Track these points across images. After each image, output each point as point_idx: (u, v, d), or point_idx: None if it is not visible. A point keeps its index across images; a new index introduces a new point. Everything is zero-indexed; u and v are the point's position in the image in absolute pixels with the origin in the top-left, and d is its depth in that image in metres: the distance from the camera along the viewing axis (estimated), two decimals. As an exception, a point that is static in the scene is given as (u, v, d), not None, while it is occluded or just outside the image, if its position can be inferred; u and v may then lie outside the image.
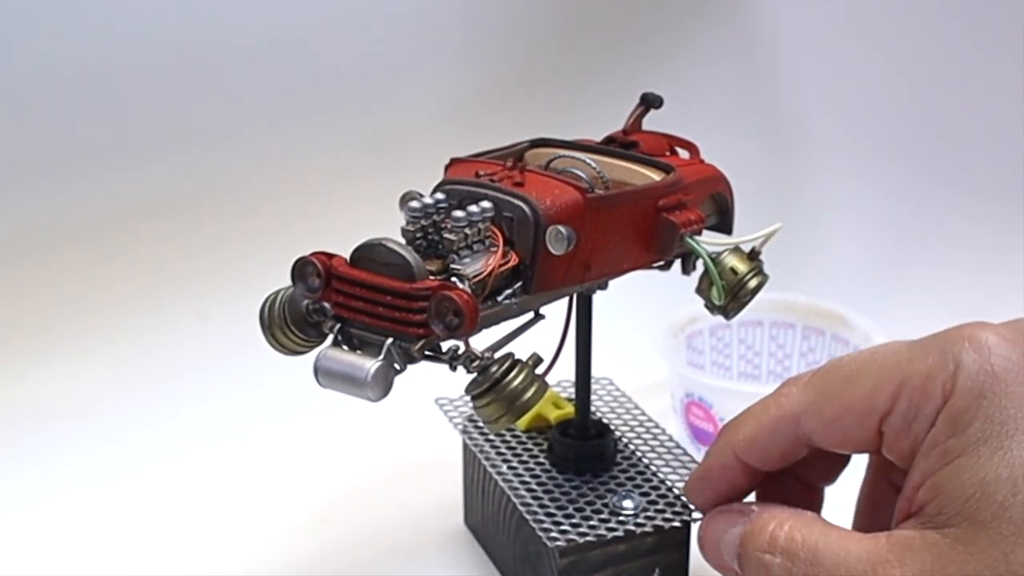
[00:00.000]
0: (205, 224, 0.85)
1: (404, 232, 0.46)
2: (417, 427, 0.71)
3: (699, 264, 0.53)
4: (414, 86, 0.89)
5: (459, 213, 0.45)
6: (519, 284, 0.46)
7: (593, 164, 0.51)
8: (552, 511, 0.53)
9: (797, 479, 0.50)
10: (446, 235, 0.45)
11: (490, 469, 0.58)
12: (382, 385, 0.43)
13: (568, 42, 0.92)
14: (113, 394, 0.78)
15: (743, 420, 0.48)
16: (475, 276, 0.44)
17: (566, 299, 0.54)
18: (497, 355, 0.46)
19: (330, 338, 0.45)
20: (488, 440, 0.60)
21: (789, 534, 0.43)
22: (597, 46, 0.93)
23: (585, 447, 0.57)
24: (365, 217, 0.88)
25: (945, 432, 0.41)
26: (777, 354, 0.80)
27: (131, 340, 0.82)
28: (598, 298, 0.55)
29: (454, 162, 0.50)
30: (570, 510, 0.53)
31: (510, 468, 0.57)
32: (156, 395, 0.79)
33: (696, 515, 0.53)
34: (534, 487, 0.56)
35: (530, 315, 0.49)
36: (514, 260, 0.46)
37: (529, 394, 0.45)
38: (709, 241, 0.51)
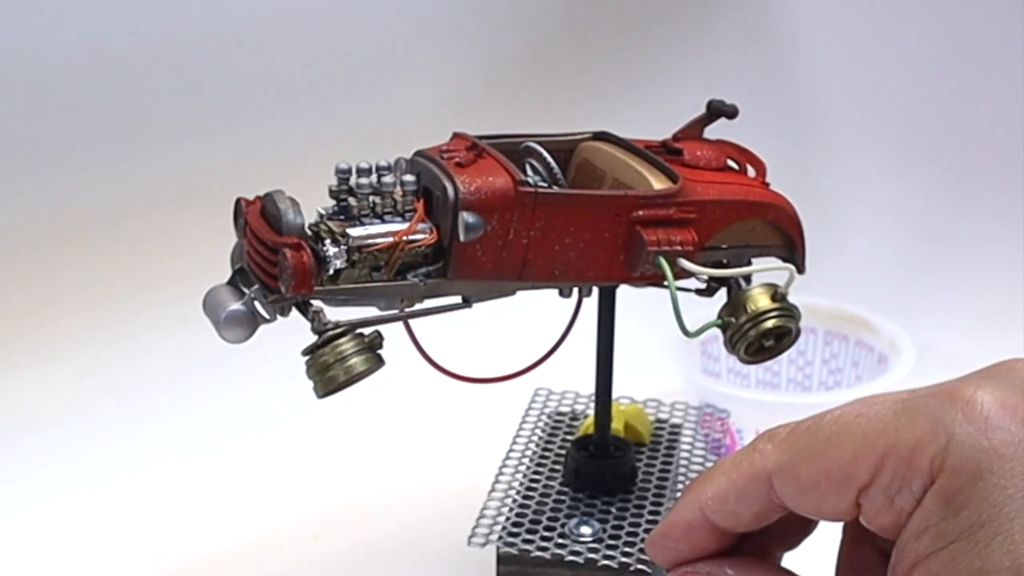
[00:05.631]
0: (191, 223, 0.85)
1: (330, 192, 0.48)
2: (417, 441, 0.72)
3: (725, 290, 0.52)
4: (415, 75, 0.89)
5: (363, 180, 0.47)
6: (440, 265, 0.47)
7: (548, 159, 0.51)
8: (507, 517, 0.54)
9: (751, 542, 0.47)
10: (350, 200, 0.47)
11: (504, 461, 0.58)
12: (235, 329, 0.46)
13: (577, 30, 0.92)
14: (91, 404, 0.78)
15: (712, 475, 0.45)
16: (366, 244, 0.46)
17: (574, 302, 0.54)
18: (341, 325, 0.46)
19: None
20: (537, 438, 0.60)
21: None
22: (607, 33, 0.93)
23: (588, 464, 0.56)
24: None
25: (937, 514, 0.39)
26: (798, 361, 0.80)
27: (111, 346, 0.82)
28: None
29: (454, 137, 0.51)
30: (525, 524, 0.53)
31: (523, 471, 0.58)
32: (137, 405, 0.78)
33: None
34: (525, 493, 0.56)
35: (455, 300, 0.49)
36: (431, 238, 0.46)
37: (346, 366, 0.45)
38: (700, 270, 0.49)
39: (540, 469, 0.58)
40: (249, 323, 0.46)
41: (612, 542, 0.53)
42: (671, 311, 0.48)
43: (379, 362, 0.46)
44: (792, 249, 0.53)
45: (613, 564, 0.51)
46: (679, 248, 0.49)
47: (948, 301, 0.89)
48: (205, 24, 0.83)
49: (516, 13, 0.90)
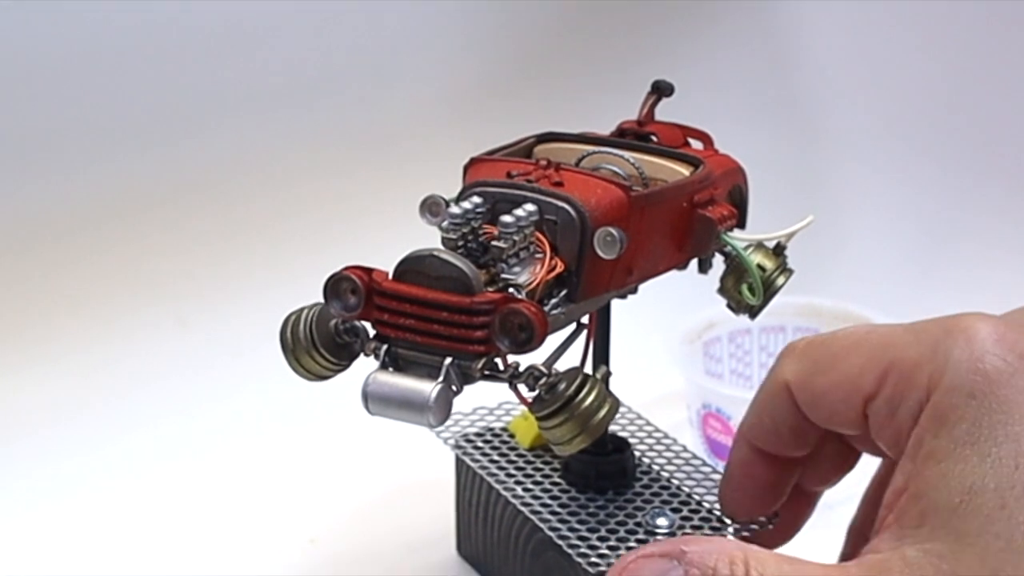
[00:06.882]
0: (187, 222, 0.85)
1: (445, 240, 0.45)
2: (414, 443, 0.71)
3: (715, 263, 0.53)
4: (409, 75, 0.89)
5: (508, 218, 0.44)
6: (564, 293, 0.46)
7: (632, 160, 0.51)
8: (584, 534, 0.53)
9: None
10: (495, 243, 0.44)
11: (503, 491, 0.57)
12: (444, 409, 0.42)
13: (575, 27, 0.92)
14: (84, 405, 0.78)
15: (748, 408, 0.49)
16: (527, 286, 0.44)
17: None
18: (563, 371, 0.45)
19: (369, 360, 0.45)
20: (492, 460, 0.60)
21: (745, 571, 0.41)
22: (607, 31, 0.92)
23: (606, 463, 0.56)
24: (356, 214, 0.88)
25: (930, 430, 0.41)
26: (801, 362, 0.80)
27: (105, 346, 0.81)
28: (607, 302, 0.55)
29: (475, 162, 0.50)
30: (603, 531, 0.53)
31: (525, 490, 0.57)
32: (131, 406, 0.78)
33: (735, 527, 0.53)
34: (557, 509, 0.55)
35: (573, 326, 0.49)
36: (560, 267, 0.45)
37: (603, 412, 0.44)
38: (741, 237, 0.51)
39: (541, 481, 0.57)
40: (451, 399, 0.43)
41: (697, 522, 0.53)
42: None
43: (619, 403, 0.45)
44: (741, 208, 0.55)
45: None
46: (729, 223, 0.51)
47: (952, 302, 0.87)
48: (203, 24, 0.83)
49: (511, 10, 0.90)
